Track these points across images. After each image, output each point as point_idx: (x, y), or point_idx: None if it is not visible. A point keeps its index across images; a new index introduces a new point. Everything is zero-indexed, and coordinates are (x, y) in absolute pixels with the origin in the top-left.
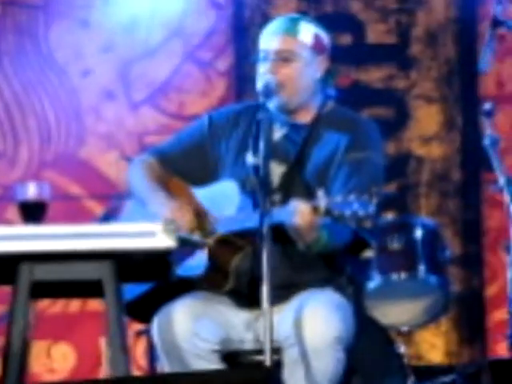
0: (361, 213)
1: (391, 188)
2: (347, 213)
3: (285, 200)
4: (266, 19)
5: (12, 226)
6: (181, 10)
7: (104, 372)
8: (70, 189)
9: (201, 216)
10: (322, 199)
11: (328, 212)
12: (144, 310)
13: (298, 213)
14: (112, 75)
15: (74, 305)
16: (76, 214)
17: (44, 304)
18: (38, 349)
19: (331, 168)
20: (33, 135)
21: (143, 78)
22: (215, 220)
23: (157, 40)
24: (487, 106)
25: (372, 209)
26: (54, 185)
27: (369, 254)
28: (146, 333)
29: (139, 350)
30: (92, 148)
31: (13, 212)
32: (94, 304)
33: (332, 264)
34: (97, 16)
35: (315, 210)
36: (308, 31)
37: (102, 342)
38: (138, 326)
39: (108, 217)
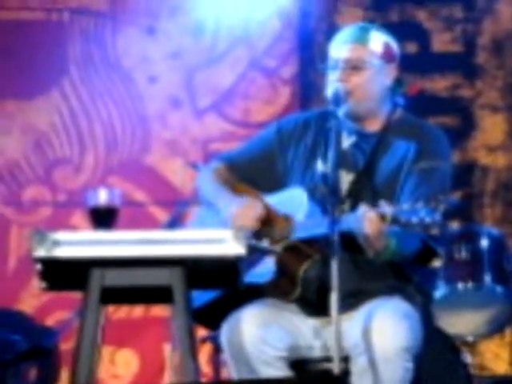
0: (427, 220)
1: (456, 197)
2: (414, 220)
3: (354, 208)
4: (331, 28)
5: (79, 231)
6: (246, 18)
7: (167, 378)
8: (134, 195)
9: (272, 218)
10: (388, 207)
11: (395, 219)
12: (212, 316)
13: (366, 219)
14: (178, 82)
15: (138, 310)
16: (140, 220)
17: (109, 309)
18: (102, 354)
19: (400, 176)
20: (99, 142)
21: (208, 84)
22: (290, 222)
23: (222, 47)
24: None
25: (439, 216)
26: None
27: (437, 263)
28: (211, 339)
29: (203, 356)
30: (157, 154)
31: (78, 218)
32: (157, 310)
33: (400, 272)
34: (163, 23)
35: (382, 217)
36: (378, 40)
37: (166, 348)
38: (201, 333)
39: (173, 223)
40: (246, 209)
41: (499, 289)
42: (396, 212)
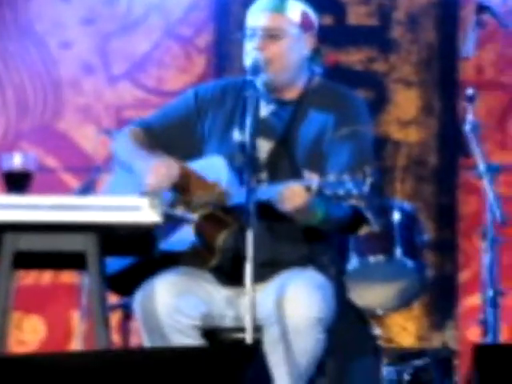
0: (354, 192)
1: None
2: (340, 192)
3: (272, 177)
4: None
5: None
6: None
7: (75, 345)
8: (45, 161)
9: (194, 179)
10: (313, 180)
11: (321, 192)
12: (125, 283)
13: (290, 196)
14: (91, 48)
15: (47, 277)
16: (51, 186)
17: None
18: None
19: (321, 146)
20: (10, 106)
21: (122, 52)
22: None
23: (137, 14)
24: (469, 91)
25: (366, 188)
26: None
27: (366, 229)
28: (121, 307)
29: (112, 324)
30: (69, 121)
31: None
32: (66, 276)
33: (315, 243)
34: None
35: (307, 189)
36: (296, 9)
37: (74, 316)
38: (111, 300)
39: (85, 190)
40: (162, 166)
41: (409, 263)
42: (322, 184)
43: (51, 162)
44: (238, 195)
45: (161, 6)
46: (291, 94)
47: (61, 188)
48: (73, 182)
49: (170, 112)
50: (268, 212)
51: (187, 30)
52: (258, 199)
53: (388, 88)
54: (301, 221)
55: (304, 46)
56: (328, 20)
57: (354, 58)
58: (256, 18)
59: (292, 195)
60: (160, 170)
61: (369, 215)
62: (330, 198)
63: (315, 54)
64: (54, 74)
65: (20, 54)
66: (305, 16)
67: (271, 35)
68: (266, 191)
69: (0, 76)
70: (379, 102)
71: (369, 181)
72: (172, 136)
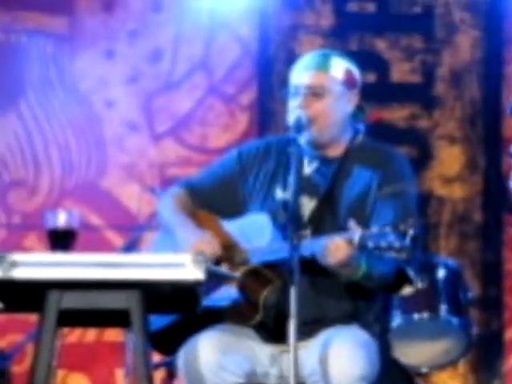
0: (396, 244)
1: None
2: (382, 244)
3: (316, 234)
4: (290, 55)
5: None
6: (205, 43)
7: None
8: (90, 219)
9: (230, 247)
10: (356, 231)
11: (363, 244)
12: (169, 341)
13: (333, 250)
14: (135, 106)
15: (91, 334)
16: (95, 244)
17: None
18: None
19: (365, 204)
20: (55, 164)
21: (166, 110)
22: (246, 251)
23: (180, 72)
24: None
25: (408, 241)
26: None
27: (409, 290)
28: (165, 365)
29: (156, 383)
30: (113, 178)
31: (32, 240)
32: (111, 334)
33: (359, 301)
34: (121, 47)
35: (349, 242)
36: (339, 66)
37: (118, 374)
38: (155, 358)
39: (129, 248)
40: (203, 243)
41: (455, 320)
42: (364, 236)
43: (95, 219)
44: (280, 251)
45: (204, 64)
46: (335, 152)
47: (105, 246)
48: (117, 239)
49: (215, 172)
50: (311, 268)
51: (231, 88)
52: (301, 255)
53: (431, 144)
54: (344, 276)
55: (347, 103)
56: (372, 77)
57: (397, 115)
58: (300, 75)
59: (335, 249)
60: (203, 247)
61: (411, 273)
62: (372, 252)
63: (358, 112)
64: (97, 132)
65: (65, 112)
66: (348, 74)
67: (315, 93)
68: (308, 246)
69: (45, 134)
70: (423, 159)
71: (411, 233)
72: (216, 196)
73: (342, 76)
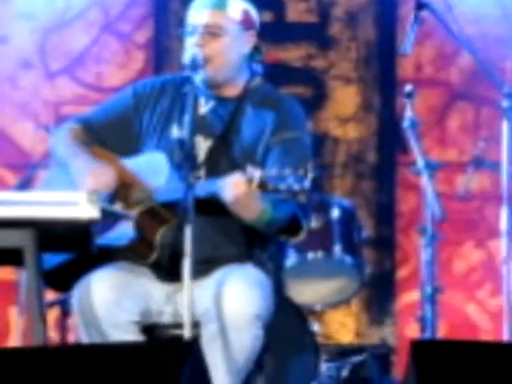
0: (296, 187)
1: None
2: (282, 186)
3: (211, 174)
4: None
5: None
6: None
7: (13, 341)
8: None
9: (128, 185)
10: (255, 172)
11: (262, 184)
12: (63, 279)
13: (232, 183)
14: (29, 44)
15: None
16: None
17: None
18: None
19: (259, 147)
20: None
21: (61, 47)
22: (145, 189)
23: (75, 10)
24: (408, 88)
25: (307, 184)
26: None
27: (299, 237)
28: (58, 303)
29: (50, 321)
30: (7, 117)
31: None
32: (3, 272)
33: (254, 239)
34: None
35: (249, 182)
36: (237, 6)
37: (12, 312)
38: (49, 297)
39: (22, 186)
40: (99, 174)
41: (348, 259)
42: (264, 177)
43: None
44: (177, 191)
45: (100, 2)
46: (231, 92)
47: None
48: (11, 178)
49: (109, 108)
50: (208, 208)
51: (126, 26)
52: (197, 195)
53: (327, 85)
54: (248, 221)
55: (244, 43)
56: (268, 17)
57: (293, 54)
58: (197, 14)
59: (233, 184)
60: (98, 177)
61: (304, 220)
62: (271, 193)
63: (255, 52)
64: None
65: None
66: (246, 14)
67: (211, 32)
68: (205, 186)
69: None
70: (318, 99)
71: (310, 176)
72: (111, 132)
73: (239, 16)
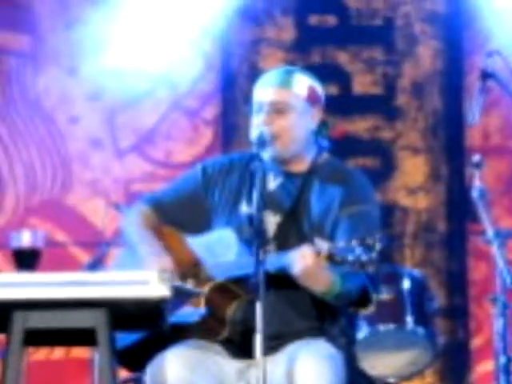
0: (364, 258)
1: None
2: (350, 258)
3: (280, 250)
4: (253, 69)
5: (1, 273)
6: (168, 59)
7: None
8: (55, 236)
9: (195, 264)
10: (323, 244)
11: (330, 257)
12: (136, 358)
13: (299, 258)
14: (99, 123)
15: (58, 352)
16: (61, 261)
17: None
18: None
19: (327, 221)
20: (19, 182)
21: (130, 125)
22: (211, 268)
23: (143, 88)
24: (476, 157)
25: (375, 254)
26: None
27: (369, 309)
28: (133, 381)
29: None
30: (78, 195)
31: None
32: (78, 351)
33: (324, 314)
34: (84, 64)
35: (317, 254)
36: (302, 83)
37: None
38: (123, 375)
39: (94, 265)
40: (159, 262)
41: (420, 330)
42: (331, 248)
43: (60, 236)
44: (247, 266)
45: (167, 79)
46: (299, 168)
47: (70, 262)
48: (82, 256)
49: (179, 188)
50: (278, 282)
51: (194, 103)
52: (267, 270)
53: (395, 155)
54: (318, 293)
55: (311, 119)
56: (334, 89)
57: (360, 126)
58: (263, 92)
59: (301, 256)
60: (159, 265)
61: (372, 292)
62: (339, 265)
63: (322, 127)
64: (62, 150)
65: (28, 130)
66: (311, 90)
67: (278, 110)
68: (274, 260)
69: (9, 152)
70: (386, 170)
71: (378, 247)
72: (181, 212)
73: (305, 93)
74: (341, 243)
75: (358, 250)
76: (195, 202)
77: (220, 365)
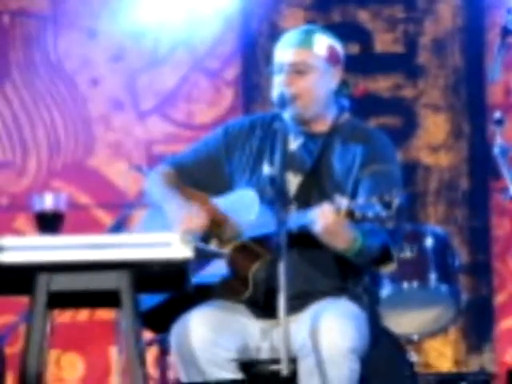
0: (383, 214)
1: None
2: (370, 214)
3: (301, 209)
4: (273, 29)
5: (23, 235)
6: (188, 20)
7: (113, 382)
8: (78, 198)
9: (219, 223)
10: (343, 201)
11: (350, 213)
12: (160, 319)
13: (320, 213)
14: (120, 84)
15: (83, 313)
16: (85, 223)
17: (53, 312)
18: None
19: (349, 180)
20: (41, 145)
21: (151, 87)
22: (236, 226)
23: (164, 50)
24: (497, 114)
25: (394, 210)
26: None
27: (390, 268)
28: (157, 342)
29: (149, 359)
30: (100, 157)
31: (21, 222)
32: (103, 312)
33: (348, 273)
34: (105, 26)
35: (337, 210)
36: (322, 43)
37: (112, 352)
38: (148, 336)
39: (118, 227)
40: (191, 217)
41: (444, 288)
42: (351, 205)
43: (83, 199)
44: (268, 225)
45: (187, 41)
46: (320, 128)
47: (93, 225)
48: (105, 218)
49: (201, 150)
50: (300, 241)
51: (214, 63)
52: (290, 229)
53: (417, 113)
54: (339, 250)
55: (331, 79)
56: (355, 48)
57: (381, 85)
58: (283, 53)
59: (322, 214)
60: (191, 219)
61: (394, 249)
62: (359, 221)
63: (343, 87)
64: (83, 112)
65: (50, 93)
66: (331, 50)
67: (298, 70)
68: (296, 219)
69: (31, 115)
70: (408, 128)
71: (396, 203)
72: (203, 173)
73: (325, 53)
74: (360, 200)
75: (378, 207)
76: (217, 164)
77: (244, 325)
